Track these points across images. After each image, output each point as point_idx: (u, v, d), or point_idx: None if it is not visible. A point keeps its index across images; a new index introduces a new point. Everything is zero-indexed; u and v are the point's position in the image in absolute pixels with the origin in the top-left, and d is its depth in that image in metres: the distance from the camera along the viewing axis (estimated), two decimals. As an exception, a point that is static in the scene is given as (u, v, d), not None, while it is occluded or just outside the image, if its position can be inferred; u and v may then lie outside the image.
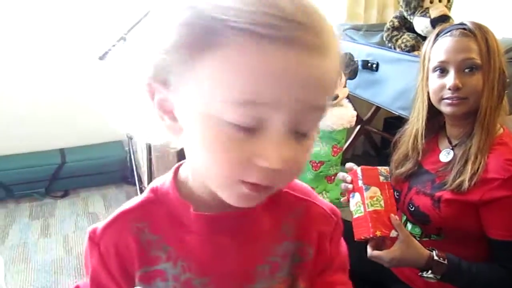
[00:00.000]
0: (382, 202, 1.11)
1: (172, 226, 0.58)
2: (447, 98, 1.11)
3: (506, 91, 1.12)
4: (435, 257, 1.07)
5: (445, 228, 1.14)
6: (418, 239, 1.21)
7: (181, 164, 0.62)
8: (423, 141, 1.22)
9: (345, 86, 1.92)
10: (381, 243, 1.11)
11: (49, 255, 2.09)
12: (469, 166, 1.08)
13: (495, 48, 1.07)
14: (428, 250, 1.09)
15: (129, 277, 0.58)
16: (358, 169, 1.15)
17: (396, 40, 2.01)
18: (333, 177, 2.04)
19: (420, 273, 1.08)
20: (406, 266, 1.13)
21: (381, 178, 1.14)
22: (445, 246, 1.16)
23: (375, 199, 1.12)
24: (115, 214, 0.61)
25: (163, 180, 0.62)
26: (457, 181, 1.09)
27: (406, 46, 1.96)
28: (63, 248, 2.14)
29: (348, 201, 1.18)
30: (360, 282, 1.31)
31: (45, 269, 1.99)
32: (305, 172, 2.00)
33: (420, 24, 1.93)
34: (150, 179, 1.83)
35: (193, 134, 0.48)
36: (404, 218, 1.29)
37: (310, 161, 1.97)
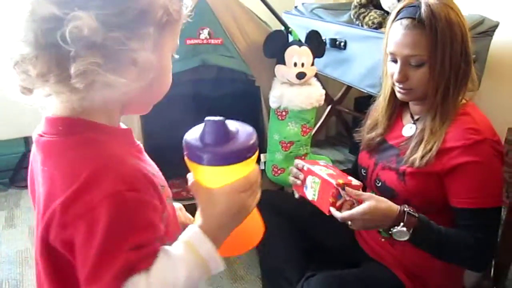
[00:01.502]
0: (332, 171, 1.20)
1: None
2: (396, 86, 1.15)
3: (470, 68, 1.13)
4: (407, 209, 1.06)
5: (411, 201, 1.14)
6: None
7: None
8: (388, 111, 1.26)
9: (312, 65, 1.88)
10: (348, 206, 1.11)
11: (15, 246, 2.03)
12: (422, 146, 1.11)
13: (446, 38, 1.06)
14: (401, 208, 1.07)
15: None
16: (301, 162, 1.26)
17: (364, 18, 2.00)
18: (303, 157, 2.02)
19: (391, 230, 1.06)
20: (379, 223, 1.09)
21: (322, 163, 1.27)
22: None
23: (325, 168, 1.21)
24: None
25: None
26: (411, 159, 1.12)
27: (373, 23, 1.95)
28: (28, 239, 2.08)
29: (301, 197, 1.25)
30: (333, 259, 1.32)
31: (10, 261, 1.93)
32: (275, 152, 1.98)
33: (387, 0, 1.92)
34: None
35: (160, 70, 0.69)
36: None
37: (280, 142, 1.94)
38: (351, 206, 1.09)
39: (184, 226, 0.82)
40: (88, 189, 0.59)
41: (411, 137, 1.18)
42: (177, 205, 0.92)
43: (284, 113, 1.90)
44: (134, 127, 1.75)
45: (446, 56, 1.07)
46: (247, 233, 0.78)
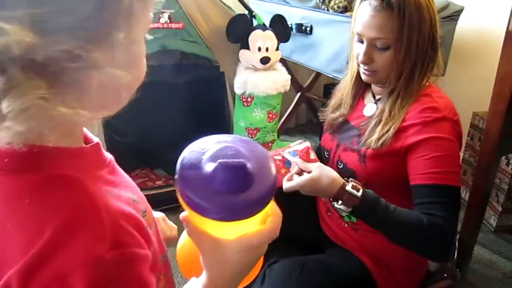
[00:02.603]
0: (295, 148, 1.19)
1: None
2: (361, 67, 1.13)
3: (437, 54, 1.10)
4: (348, 188, 1.02)
5: (371, 183, 1.12)
6: None
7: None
8: (353, 90, 1.24)
9: (277, 49, 1.86)
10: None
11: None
12: (379, 127, 1.09)
13: (414, 21, 1.03)
14: (346, 180, 1.04)
15: None
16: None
17: (329, 2, 1.98)
18: (270, 144, 2.00)
19: (333, 203, 1.05)
20: (321, 191, 1.06)
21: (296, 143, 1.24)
22: None
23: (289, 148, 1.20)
24: None
25: None
26: (368, 141, 1.10)
27: (338, 7, 1.93)
28: None
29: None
30: (298, 247, 1.30)
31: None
32: (241, 140, 1.95)
33: (352, -17, 1.90)
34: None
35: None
36: None
37: (246, 128, 1.92)
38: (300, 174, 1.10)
39: (169, 239, 0.72)
40: (56, 252, 0.43)
41: (370, 117, 1.17)
42: (159, 215, 0.77)
43: (249, 99, 1.87)
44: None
45: (413, 40, 1.04)
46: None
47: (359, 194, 1.01)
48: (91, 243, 0.44)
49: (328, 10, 1.96)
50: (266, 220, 0.56)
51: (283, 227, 1.29)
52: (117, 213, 0.49)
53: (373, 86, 1.22)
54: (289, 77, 1.90)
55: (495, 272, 1.76)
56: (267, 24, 1.88)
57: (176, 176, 0.53)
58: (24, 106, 0.40)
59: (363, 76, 1.15)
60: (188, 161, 0.53)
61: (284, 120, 2.61)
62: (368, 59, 1.08)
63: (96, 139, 0.58)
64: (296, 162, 1.13)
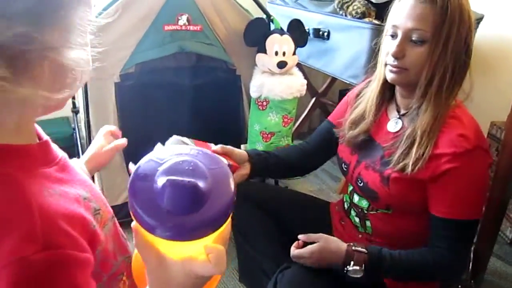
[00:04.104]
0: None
1: None
2: (389, 64, 1.06)
3: (469, 62, 1.05)
4: (354, 247, 1.07)
5: (393, 204, 1.12)
6: (366, 211, 1.19)
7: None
8: (379, 98, 1.18)
9: (294, 54, 1.85)
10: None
11: None
12: (414, 149, 1.03)
13: (455, 19, 0.98)
14: (348, 244, 1.09)
15: None
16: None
17: (347, 7, 1.96)
18: (284, 149, 2.00)
19: (345, 269, 1.07)
20: (328, 262, 1.11)
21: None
22: (392, 219, 1.14)
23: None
24: None
25: None
26: (401, 164, 1.04)
27: (356, 13, 1.92)
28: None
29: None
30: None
31: None
32: (255, 143, 1.94)
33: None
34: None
35: None
36: (351, 188, 1.26)
37: (261, 132, 1.91)
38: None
39: None
40: None
41: (397, 136, 1.11)
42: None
43: (264, 103, 1.87)
44: (109, 117, 1.71)
45: (451, 40, 0.99)
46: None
47: (365, 249, 1.06)
48: (18, 243, 0.44)
49: (346, 15, 1.95)
50: (209, 254, 0.51)
51: (296, 232, 1.29)
52: (55, 213, 0.48)
53: (398, 98, 1.16)
54: (305, 82, 1.90)
55: (510, 284, 1.73)
56: (285, 28, 1.87)
57: (128, 185, 0.50)
58: None
59: (389, 76, 1.07)
60: (142, 171, 0.50)
61: (299, 125, 2.60)
62: (400, 52, 1.02)
63: (46, 137, 0.58)
64: (300, 237, 1.17)
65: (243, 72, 1.92)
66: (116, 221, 0.69)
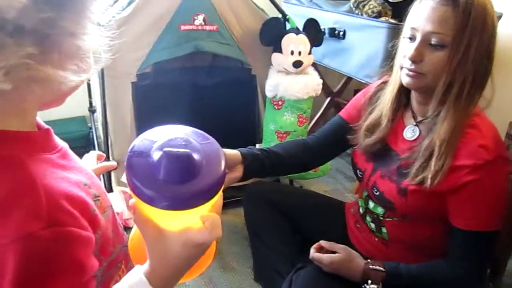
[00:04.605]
0: None
1: None
2: (406, 68, 1.02)
3: (491, 68, 1.01)
4: (371, 266, 1.08)
5: (411, 214, 1.10)
6: (381, 218, 1.18)
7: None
8: (395, 103, 1.14)
9: (310, 53, 1.85)
10: None
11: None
12: (433, 161, 0.99)
13: (478, 25, 0.94)
14: (365, 261, 1.11)
15: None
16: None
17: (363, 6, 1.95)
18: (299, 148, 1.99)
19: (363, 287, 1.08)
20: (344, 274, 1.12)
21: None
22: (409, 226, 1.13)
23: None
24: None
25: None
26: (419, 177, 1.01)
27: (373, 12, 1.91)
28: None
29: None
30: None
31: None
32: (270, 142, 1.94)
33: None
34: (107, 154, 1.75)
35: None
36: (366, 194, 1.25)
37: (276, 131, 1.91)
38: None
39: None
40: None
41: (414, 146, 1.07)
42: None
43: (280, 102, 1.87)
44: (126, 116, 1.72)
45: (472, 45, 0.94)
46: (200, 260, 0.63)
47: (382, 267, 1.07)
48: (24, 219, 0.47)
49: (362, 14, 1.94)
50: (205, 221, 0.55)
51: (311, 230, 1.29)
52: (58, 193, 0.51)
53: (414, 104, 1.12)
54: (321, 81, 1.89)
55: (529, 287, 1.70)
56: (300, 28, 1.87)
57: (125, 163, 0.54)
58: (11, 63, 0.44)
59: (405, 80, 1.03)
60: (137, 149, 0.54)
61: (313, 124, 2.59)
62: (417, 56, 0.97)
63: (46, 127, 0.62)
64: (322, 243, 1.18)
65: (259, 72, 1.92)
66: (115, 211, 0.72)
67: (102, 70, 1.60)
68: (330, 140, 1.33)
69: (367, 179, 1.20)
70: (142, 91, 1.71)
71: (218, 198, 0.57)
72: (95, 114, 2.41)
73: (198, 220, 0.54)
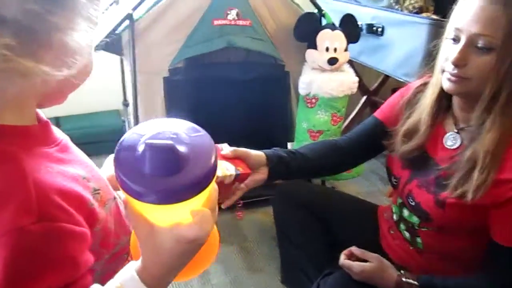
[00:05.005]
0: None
1: None
2: (448, 72, 0.94)
3: None
4: (404, 279, 1.04)
5: (448, 226, 1.04)
6: (417, 228, 1.12)
7: None
8: (435, 107, 1.06)
9: (346, 50, 1.79)
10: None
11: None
12: (475, 174, 0.91)
13: None
14: (398, 273, 1.06)
15: None
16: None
17: (403, 1, 1.88)
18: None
19: None
20: (375, 284, 1.08)
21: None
22: (445, 237, 1.07)
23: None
24: None
25: None
26: (460, 190, 0.94)
27: (414, 7, 1.83)
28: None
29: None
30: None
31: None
32: (302, 142, 1.90)
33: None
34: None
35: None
36: (400, 201, 1.19)
37: (308, 130, 1.87)
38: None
39: None
40: None
41: (455, 156, 1.00)
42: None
43: (313, 100, 1.82)
44: (158, 111, 1.72)
45: None
46: (199, 258, 0.59)
47: (416, 281, 1.02)
48: (15, 214, 0.47)
49: (402, 10, 1.87)
50: (195, 216, 0.52)
51: (342, 234, 1.24)
52: (51, 188, 0.51)
53: (456, 109, 1.04)
54: (356, 79, 1.83)
55: None
56: (337, 23, 1.81)
57: (114, 168, 0.52)
58: None
59: (446, 85, 0.95)
60: (125, 143, 0.53)
61: (348, 124, 2.53)
62: (461, 60, 0.90)
63: (46, 120, 0.61)
64: (353, 250, 1.14)
65: (292, 68, 1.88)
66: (120, 203, 0.71)
67: (134, 64, 1.60)
68: (363, 142, 1.26)
69: (402, 186, 1.14)
70: (173, 86, 1.70)
71: (212, 192, 0.55)
72: (128, 108, 2.43)
73: (189, 215, 0.53)
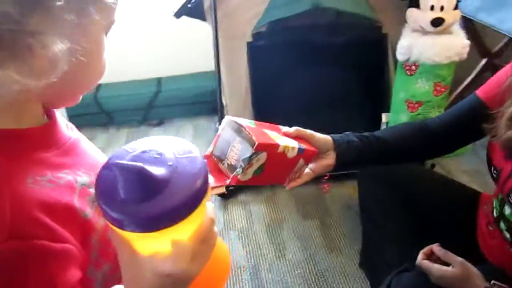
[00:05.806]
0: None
1: None
2: None
3: None
4: None
5: None
6: None
7: None
8: None
9: (456, 8, 1.53)
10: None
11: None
12: None
13: None
14: (486, 284, 0.93)
15: None
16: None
17: None
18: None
19: None
20: None
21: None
22: None
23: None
24: None
25: None
26: None
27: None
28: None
29: None
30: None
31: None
32: (399, 113, 1.72)
33: None
34: (221, 113, 1.75)
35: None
36: (500, 196, 1.02)
37: (406, 101, 1.68)
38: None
39: None
40: None
41: None
42: None
43: (413, 67, 1.64)
44: (242, 76, 1.67)
45: None
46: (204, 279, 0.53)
47: None
48: None
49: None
50: (172, 247, 0.46)
51: (433, 225, 1.11)
52: (30, 201, 0.47)
53: None
54: (467, 43, 1.57)
55: None
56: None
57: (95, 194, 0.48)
58: None
59: None
60: (109, 160, 0.49)
61: (461, 91, 2.23)
62: None
63: (57, 119, 0.58)
64: (434, 250, 1.02)
65: (391, 30, 1.70)
66: None
67: (216, 29, 1.56)
68: (460, 125, 1.07)
69: (503, 181, 0.96)
70: (257, 52, 1.65)
71: (203, 220, 0.48)
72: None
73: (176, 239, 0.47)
